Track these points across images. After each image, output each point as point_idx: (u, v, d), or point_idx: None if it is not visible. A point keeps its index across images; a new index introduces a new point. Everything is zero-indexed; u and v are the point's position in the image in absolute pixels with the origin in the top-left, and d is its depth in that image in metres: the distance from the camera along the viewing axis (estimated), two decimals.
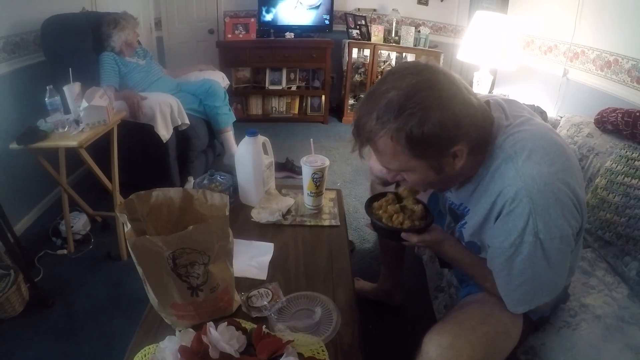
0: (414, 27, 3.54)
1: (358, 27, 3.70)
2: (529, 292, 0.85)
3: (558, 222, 0.78)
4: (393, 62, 3.80)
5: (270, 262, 1.19)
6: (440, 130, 0.74)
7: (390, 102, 0.74)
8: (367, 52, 3.76)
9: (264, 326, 0.86)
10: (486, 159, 0.85)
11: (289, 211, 1.43)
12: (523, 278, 0.83)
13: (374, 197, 1.04)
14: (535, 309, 0.90)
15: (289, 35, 3.70)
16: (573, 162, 0.86)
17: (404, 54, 3.67)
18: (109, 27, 2.32)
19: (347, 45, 3.72)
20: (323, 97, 3.89)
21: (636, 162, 1.33)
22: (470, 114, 0.77)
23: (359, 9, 3.90)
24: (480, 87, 2.49)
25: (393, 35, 3.69)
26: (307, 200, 1.44)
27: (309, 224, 1.38)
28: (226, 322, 0.83)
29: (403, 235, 0.93)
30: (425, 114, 0.73)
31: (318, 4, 3.68)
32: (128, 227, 0.88)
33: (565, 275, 0.88)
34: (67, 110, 1.80)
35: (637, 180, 1.30)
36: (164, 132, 2.18)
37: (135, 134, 2.16)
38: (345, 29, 3.84)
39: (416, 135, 0.74)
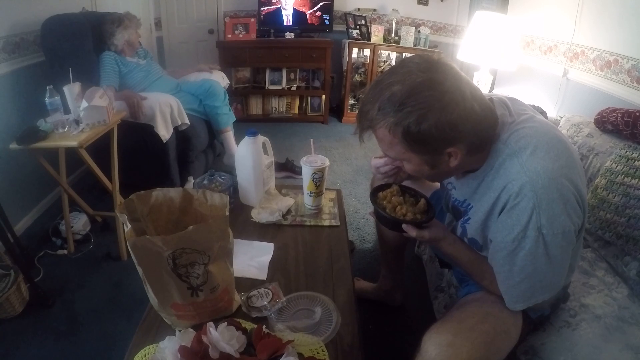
0: (414, 27, 3.54)
1: (358, 27, 3.70)
2: (528, 289, 0.86)
3: (561, 218, 0.79)
4: (393, 62, 3.80)
5: (270, 262, 1.19)
6: (436, 131, 0.76)
7: (393, 96, 0.76)
8: (367, 52, 3.76)
9: (264, 326, 0.87)
10: (490, 154, 0.86)
11: (289, 211, 1.44)
12: (524, 274, 0.84)
13: (380, 187, 1.06)
14: (535, 306, 0.90)
15: (289, 35, 3.71)
16: (576, 159, 0.86)
17: (404, 54, 3.67)
18: (112, 25, 2.32)
19: (347, 45, 3.72)
20: (323, 97, 3.89)
21: (636, 162, 1.33)
22: (471, 120, 0.77)
23: (359, 9, 3.90)
24: (480, 87, 2.49)
25: (393, 35, 3.69)
26: (307, 200, 1.44)
27: (309, 224, 1.38)
28: (226, 322, 0.83)
29: (404, 227, 0.94)
30: (423, 114, 0.75)
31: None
32: (128, 227, 0.88)
33: (564, 273, 0.88)
34: (67, 110, 1.80)
35: (637, 180, 1.30)
36: (164, 132, 2.18)
37: (135, 134, 2.16)
38: (345, 29, 3.84)
39: (412, 132, 0.76)
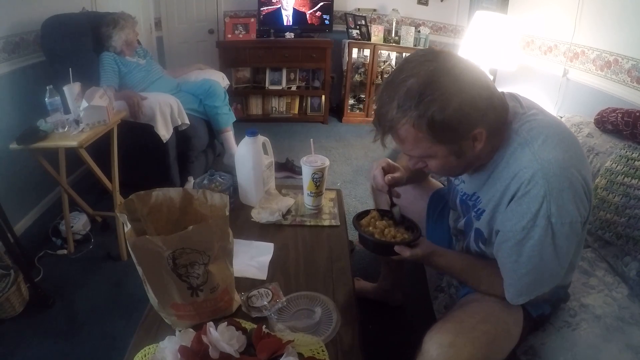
0: (414, 27, 3.55)
1: (358, 27, 3.70)
2: (532, 281, 0.86)
3: (570, 208, 0.79)
4: (393, 62, 3.80)
5: (270, 262, 1.19)
6: (461, 114, 0.76)
7: (410, 90, 0.76)
8: (367, 52, 3.76)
9: (264, 326, 0.87)
10: (502, 144, 0.86)
11: (289, 211, 1.43)
12: (531, 265, 0.83)
13: (359, 215, 1.06)
14: (535, 304, 0.90)
15: (289, 35, 3.71)
16: (584, 152, 0.88)
17: (404, 54, 3.67)
18: (108, 27, 2.33)
19: (347, 45, 3.72)
20: (323, 97, 3.89)
21: (636, 162, 1.33)
22: (488, 96, 0.78)
23: (359, 9, 3.90)
24: None
25: (393, 35, 3.70)
26: (307, 200, 1.44)
27: (309, 224, 1.38)
28: (226, 322, 0.83)
29: (396, 248, 0.93)
30: (445, 100, 0.74)
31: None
32: (128, 227, 0.88)
33: (566, 265, 0.88)
34: (67, 110, 1.79)
35: (637, 180, 1.30)
36: (164, 132, 2.18)
37: (135, 134, 2.16)
38: (345, 29, 3.84)
39: (438, 120, 0.75)
